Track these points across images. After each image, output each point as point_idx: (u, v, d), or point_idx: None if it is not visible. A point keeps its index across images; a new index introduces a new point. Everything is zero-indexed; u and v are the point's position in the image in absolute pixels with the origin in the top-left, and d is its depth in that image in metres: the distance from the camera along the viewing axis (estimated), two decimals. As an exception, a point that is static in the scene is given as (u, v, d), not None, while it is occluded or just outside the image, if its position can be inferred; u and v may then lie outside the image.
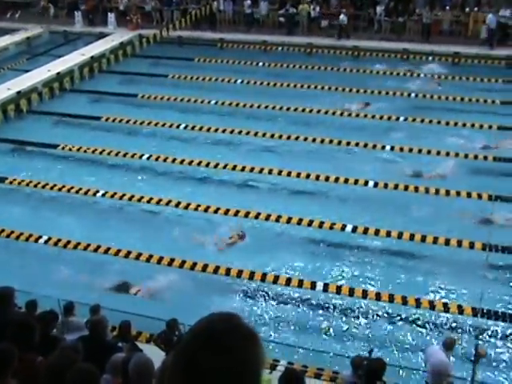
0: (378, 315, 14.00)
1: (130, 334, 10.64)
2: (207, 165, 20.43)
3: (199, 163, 20.53)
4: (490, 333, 13.38)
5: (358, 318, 13.94)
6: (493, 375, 12.18)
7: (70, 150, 21.78)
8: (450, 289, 14.77)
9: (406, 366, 12.21)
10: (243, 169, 20.07)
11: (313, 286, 14.79)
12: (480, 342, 12.14)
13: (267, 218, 17.41)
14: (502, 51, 29.98)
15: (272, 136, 22.35)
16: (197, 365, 2.07)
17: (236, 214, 17.66)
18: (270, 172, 19.82)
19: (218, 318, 2.19)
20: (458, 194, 18.28)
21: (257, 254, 15.94)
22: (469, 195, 18.22)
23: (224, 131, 22.89)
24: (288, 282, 14.92)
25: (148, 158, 21.02)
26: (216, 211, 17.81)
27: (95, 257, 16.06)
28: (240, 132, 22.73)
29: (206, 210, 17.86)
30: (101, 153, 21.45)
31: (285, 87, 27.03)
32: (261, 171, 19.90)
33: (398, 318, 13.94)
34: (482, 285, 13.90)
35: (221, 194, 18.89)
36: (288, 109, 24.69)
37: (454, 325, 13.69)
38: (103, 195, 18.81)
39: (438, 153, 20.74)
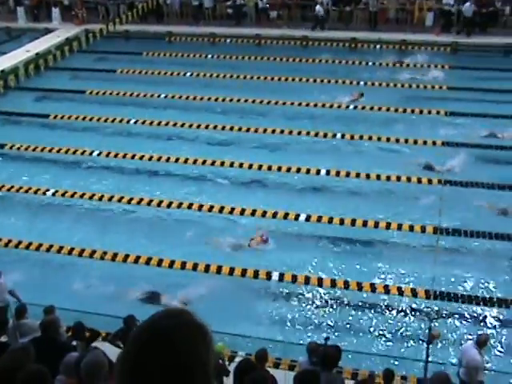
0: (338, 302, 14.12)
1: (84, 333, 10.49)
2: (159, 159, 20.28)
3: (150, 158, 20.36)
4: (443, 314, 13.60)
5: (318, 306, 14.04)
6: (447, 355, 12.38)
7: (19, 149, 21.35)
8: (404, 273, 14.96)
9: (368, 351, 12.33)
10: (195, 162, 20.01)
11: (268, 275, 14.83)
12: (433, 324, 12.27)
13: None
14: (447, 38, 30.42)
15: (223, 128, 22.29)
16: (143, 360, 2.05)
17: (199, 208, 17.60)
18: (222, 164, 19.83)
19: (166, 314, 2.18)
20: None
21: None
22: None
23: (175, 125, 22.74)
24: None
25: (98, 155, 20.75)
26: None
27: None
28: (191, 125, 22.60)
29: (158, 205, 17.75)
30: (50, 151, 21.09)
31: (234, 79, 26.96)
32: (213, 163, 19.88)
33: (358, 304, 14.09)
34: (434, 267, 14.11)
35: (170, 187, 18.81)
36: (238, 100, 24.66)
37: (408, 308, 13.89)
38: (53, 194, 18.53)
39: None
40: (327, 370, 6.46)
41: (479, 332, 11.95)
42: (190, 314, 2.17)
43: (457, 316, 13.71)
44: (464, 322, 13.58)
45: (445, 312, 13.70)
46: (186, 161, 20.11)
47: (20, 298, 12.15)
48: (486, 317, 13.70)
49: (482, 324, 13.52)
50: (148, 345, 2.07)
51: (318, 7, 31.97)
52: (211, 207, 17.57)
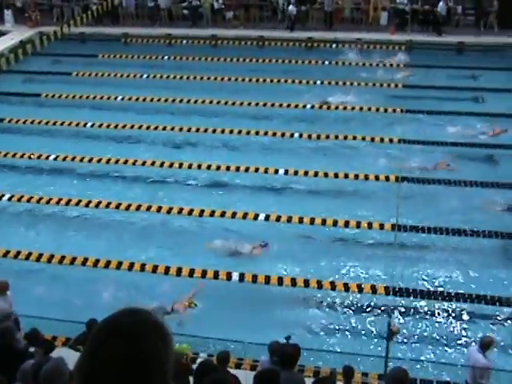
0: (299, 300, 14.18)
1: (42, 338, 10.34)
2: (116, 162, 20.12)
3: (108, 161, 20.19)
4: (402, 310, 13.77)
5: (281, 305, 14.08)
6: (406, 351, 12.53)
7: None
8: (364, 270, 15.09)
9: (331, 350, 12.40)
10: (153, 163, 19.97)
11: (228, 276, 14.82)
12: (393, 320, 12.39)
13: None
14: (402, 36, 30.76)
15: (180, 129, 22.23)
16: (102, 357, 2.05)
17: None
18: (189, 166, 19.78)
19: (124, 312, 2.18)
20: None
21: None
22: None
23: (132, 127, 22.57)
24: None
25: (55, 159, 20.49)
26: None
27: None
28: (148, 127, 22.46)
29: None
30: (5, 155, 20.76)
31: (191, 80, 26.88)
32: (171, 165, 19.81)
33: (319, 302, 14.17)
34: (394, 263, 14.26)
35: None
36: (196, 101, 24.60)
37: (368, 304, 14.01)
38: (9, 199, 18.26)
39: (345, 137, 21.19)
40: (286, 369, 6.47)
41: (484, 334, 11.93)
42: (149, 313, 2.18)
43: (416, 312, 13.87)
44: (423, 318, 13.75)
45: (404, 308, 13.83)
46: (144, 163, 20.00)
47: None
48: (445, 312, 13.89)
49: (441, 319, 13.70)
50: (106, 342, 2.08)
51: (290, 7, 31.97)
52: (170, 209, 17.52)
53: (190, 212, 17.33)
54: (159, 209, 17.53)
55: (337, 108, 23.72)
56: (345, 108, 23.70)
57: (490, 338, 11.16)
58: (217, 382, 5.78)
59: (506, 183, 18.40)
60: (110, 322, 2.15)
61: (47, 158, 20.57)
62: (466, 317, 13.81)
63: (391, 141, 21.04)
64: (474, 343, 11.57)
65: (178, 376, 8.77)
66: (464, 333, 13.37)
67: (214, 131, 22.09)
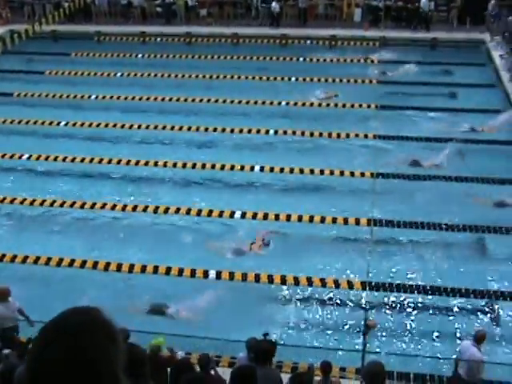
0: (276, 297, 14.20)
1: (18, 341, 10.24)
2: (91, 161, 20.00)
3: (82, 160, 20.05)
4: (378, 304, 13.84)
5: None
6: (383, 344, 12.60)
7: None
8: (340, 265, 15.14)
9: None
10: (128, 162, 19.88)
11: (205, 274, 14.79)
12: (369, 315, 12.46)
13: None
14: (376, 33, 30.89)
15: (155, 128, 22.13)
16: (48, 356, 2.00)
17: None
18: (164, 164, 19.75)
19: (73, 311, 2.13)
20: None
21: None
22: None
23: (107, 125, 22.44)
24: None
25: (28, 158, 20.30)
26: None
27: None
28: (123, 126, 22.34)
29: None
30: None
31: (165, 78, 26.77)
32: (146, 164, 19.78)
33: (296, 298, 14.20)
34: (370, 258, 14.35)
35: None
36: (170, 99, 24.53)
37: (344, 299, 14.07)
38: None
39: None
40: (262, 365, 6.46)
41: (476, 328, 11.98)
42: (99, 311, 2.13)
43: (392, 306, 13.96)
44: (399, 312, 13.84)
45: (380, 302, 13.90)
46: (119, 161, 19.91)
47: (28, 317, 11.63)
48: (421, 305, 13.99)
49: (417, 313, 13.80)
50: (53, 341, 2.03)
51: (273, 4, 31.95)
52: (146, 207, 17.48)
53: (166, 210, 17.30)
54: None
55: (312, 105, 23.76)
56: (320, 105, 23.75)
57: (484, 331, 11.21)
58: (193, 382, 5.76)
59: (481, 178, 18.55)
60: (57, 322, 2.10)
61: (20, 157, 20.37)
62: (441, 310, 13.91)
63: (366, 136, 21.13)
64: (467, 337, 11.49)
65: (157, 370, 8.77)
66: (440, 326, 13.47)
67: (190, 129, 22.02)
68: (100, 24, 33.22)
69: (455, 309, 13.94)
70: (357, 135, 21.20)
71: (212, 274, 14.83)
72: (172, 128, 22.11)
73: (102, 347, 2.03)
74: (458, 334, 13.19)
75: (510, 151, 20.33)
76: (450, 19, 31.68)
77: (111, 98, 24.86)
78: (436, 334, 13.27)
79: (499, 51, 27.68)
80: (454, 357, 11.31)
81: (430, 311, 13.89)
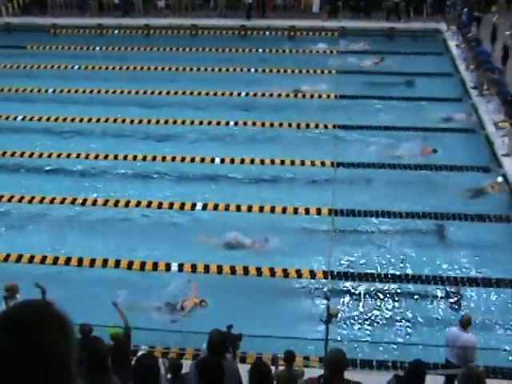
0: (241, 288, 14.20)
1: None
2: (50, 155, 19.72)
3: (40, 155, 19.75)
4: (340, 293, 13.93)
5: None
6: (345, 332, 12.69)
7: None
8: (302, 255, 15.19)
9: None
10: (87, 156, 19.65)
11: (168, 267, 14.73)
12: (331, 303, 12.51)
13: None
14: (334, 23, 31.00)
15: (115, 121, 21.92)
16: None
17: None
18: (124, 157, 19.56)
19: (23, 304, 2.11)
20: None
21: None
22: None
23: (65, 119, 22.13)
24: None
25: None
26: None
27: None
28: (81, 120, 22.06)
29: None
30: None
31: (124, 70, 26.50)
32: (106, 157, 19.58)
33: (259, 289, 14.22)
34: (331, 247, 14.43)
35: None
36: (129, 92, 24.30)
37: (307, 289, 14.13)
38: None
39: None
40: (217, 357, 6.49)
41: (461, 314, 12.05)
42: (50, 303, 2.11)
43: (354, 294, 14.07)
44: (361, 300, 13.95)
45: (342, 291, 13.99)
46: (78, 156, 19.67)
47: (45, 288, 11.35)
48: (382, 292, 14.13)
49: (378, 300, 13.93)
50: (5, 331, 2.00)
51: None
52: (106, 201, 17.35)
53: (127, 204, 17.18)
54: (106, 202, 17.35)
55: (271, 95, 23.77)
56: (279, 95, 23.76)
57: (468, 315, 11.28)
58: (145, 368, 5.73)
59: (441, 165, 18.79)
60: (9, 313, 2.08)
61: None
62: (402, 297, 14.07)
63: (326, 126, 21.22)
64: (453, 324, 11.48)
65: (120, 363, 8.71)
66: (401, 312, 13.62)
67: (149, 122, 21.85)
68: (56, 16, 32.66)
69: (416, 295, 14.10)
70: (317, 125, 21.28)
71: (174, 266, 14.77)
72: (132, 121, 21.91)
73: (53, 339, 2.01)
74: (420, 320, 13.37)
75: (471, 138, 20.63)
76: (408, 10, 31.92)
77: (68, 91, 24.52)
78: (398, 320, 13.41)
79: (455, 41, 28.03)
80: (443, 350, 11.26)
81: (392, 298, 14.03)
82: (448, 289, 14.16)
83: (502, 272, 14.58)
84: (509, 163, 18.09)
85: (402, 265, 14.96)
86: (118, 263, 14.90)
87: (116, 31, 31.48)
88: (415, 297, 14.09)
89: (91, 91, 24.45)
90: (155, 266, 14.84)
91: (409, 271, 14.61)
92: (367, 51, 27.95)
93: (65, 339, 2.04)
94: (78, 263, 14.97)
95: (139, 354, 11.26)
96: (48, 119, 22.19)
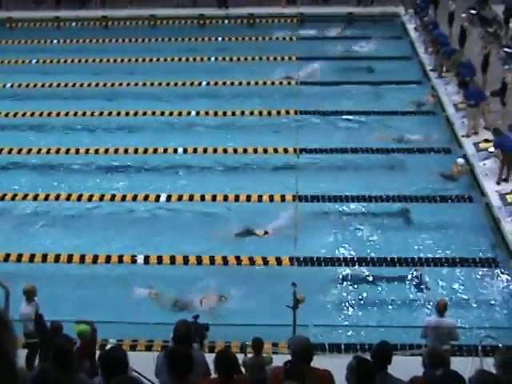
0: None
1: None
2: (10, 151, 19.46)
3: (0, 151, 19.48)
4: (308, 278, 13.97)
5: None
6: (312, 317, 12.73)
7: None
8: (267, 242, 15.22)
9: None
10: (48, 151, 19.44)
11: (133, 259, 14.65)
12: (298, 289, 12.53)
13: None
14: (293, 9, 30.96)
15: (75, 114, 21.68)
16: None
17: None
18: (86, 151, 19.37)
19: None
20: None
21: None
22: (276, 151, 18.86)
23: (24, 115, 21.79)
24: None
25: None
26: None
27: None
28: (41, 114, 21.77)
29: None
30: None
31: (83, 63, 26.17)
32: (67, 151, 19.39)
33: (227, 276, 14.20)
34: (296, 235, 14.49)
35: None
36: (89, 85, 24.03)
37: (274, 275, 14.17)
38: None
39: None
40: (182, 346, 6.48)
41: (437, 299, 12.00)
42: None
43: (321, 278, 14.13)
44: (329, 284, 14.03)
45: (309, 276, 14.02)
46: (39, 151, 19.42)
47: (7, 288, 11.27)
48: (349, 276, 14.23)
49: (345, 284, 14.02)
50: None
51: None
52: (69, 195, 17.17)
53: (90, 198, 17.05)
54: (69, 197, 17.17)
55: (232, 84, 23.70)
56: (240, 83, 23.69)
57: (443, 299, 11.32)
58: (113, 360, 5.69)
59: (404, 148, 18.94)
60: None
61: None
62: (369, 280, 14.18)
63: (288, 112, 21.23)
64: (430, 315, 11.49)
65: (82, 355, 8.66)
66: (369, 295, 13.74)
67: (110, 114, 21.66)
68: (11, 10, 32.04)
69: (383, 278, 14.23)
70: (279, 112, 21.30)
71: (140, 259, 14.69)
72: (92, 114, 21.70)
73: None
74: (388, 302, 13.50)
75: (432, 120, 20.83)
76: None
77: (27, 86, 24.16)
78: (366, 303, 13.54)
79: (413, 24, 28.22)
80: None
81: (359, 282, 14.14)
82: (413, 270, 14.31)
83: (466, 252, 14.80)
84: (468, 144, 18.29)
85: (367, 248, 15.05)
86: (82, 258, 14.81)
87: (73, 24, 31.04)
88: (382, 280, 14.21)
89: (50, 85, 24.10)
90: (120, 258, 14.75)
91: (374, 254, 14.72)
92: (327, 37, 28.00)
93: (8, 338, 2.02)
94: (42, 259, 14.82)
95: (107, 347, 11.30)
96: (7, 115, 21.82)
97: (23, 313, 11.03)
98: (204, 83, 23.84)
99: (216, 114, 21.43)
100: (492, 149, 17.37)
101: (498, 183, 16.29)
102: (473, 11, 26.76)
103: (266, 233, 15.35)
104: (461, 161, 17.64)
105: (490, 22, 26.31)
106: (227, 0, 31.39)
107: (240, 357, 9.84)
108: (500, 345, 10.85)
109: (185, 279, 14.23)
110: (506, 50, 23.25)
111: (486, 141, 17.97)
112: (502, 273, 14.19)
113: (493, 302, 13.50)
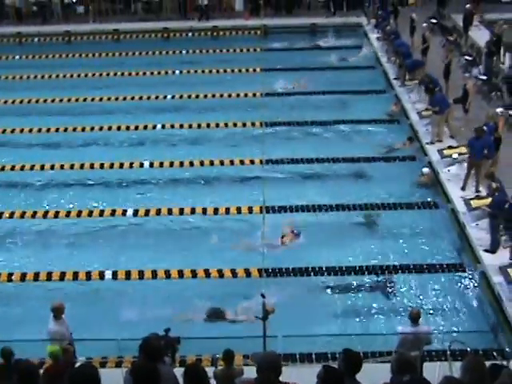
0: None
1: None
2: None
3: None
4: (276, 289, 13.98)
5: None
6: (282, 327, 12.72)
7: None
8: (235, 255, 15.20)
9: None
10: (3, 168, 19.32)
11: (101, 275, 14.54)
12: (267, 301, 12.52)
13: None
14: (257, 21, 31.11)
15: (39, 131, 21.51)
16: None
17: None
18: (51, 167, 19.20)
19: None
20: (232, 162, 18.86)
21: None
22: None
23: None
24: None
25: None
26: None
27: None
28: (4, 131, 21.58)
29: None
30: None
31: (46, 79, 25.96)
32: (32, 168, 19.14)
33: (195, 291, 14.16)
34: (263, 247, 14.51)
35: None
36: (53, 100, 23.86)
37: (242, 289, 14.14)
38: None
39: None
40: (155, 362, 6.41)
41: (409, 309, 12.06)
42: None
43: (290, 289, 14.12)
44: (298, 294, 14.02)
45: (278, 287, 14.02)
46: (3, 168, 19.26)
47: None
48: (317, 285, 14.25)
49: (310, 293, 14.01)
50: None
51: None
52: (35, 213, 16.95)
53: (56, 214, 16.89)
54: (34, 214, 16.89)
55: (197, 96, 23.70)
56: (205, 96, 23.71)
57: (416, 308, 11.33)
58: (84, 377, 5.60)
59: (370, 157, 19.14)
60: None
61: None
62: (337, 288, 14.22)
63: (253, 124, 21.28)
64: (404, 325, 11.30)
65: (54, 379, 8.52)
66: (336, 304, 13.78)
67: (75, 129, 21.51)
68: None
69: (351, 286, 14.28)
70: (244, 124, 21.35)
71: (108, 274, 14.57)
72: (57, 130, 21.53)
73: None
74: (357, 310, 13.55)
75: (396, 128, 21.11)
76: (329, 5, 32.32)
77: (-11, 102, 23.91)
78: (334, 312, 13.57)
79: (376, 34, 28.54)
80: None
81: (327, 290, 14.18)
82: (380, 278, 14.39)
83: (433, 258, 14.95)
84: (433, 152, 18.50)
85: (335, 257, 15.09)
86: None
87: (36, 39, 30.85)
88: (350, 288, 14.25)
89: (13, 101, 23.86)
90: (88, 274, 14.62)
91: (342, 263, 14.76)
92: (291, 48, 28.20)
93: None
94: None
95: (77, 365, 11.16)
96: (-29, 132, 21.60)
97: (52, 331, 10.86)
98: (169, 96, 23.82)
99: (182, 126, 21.41)
100: (456, 155, 17.65)
101: (462, 189, 16.49)
102: (433, 20, 27.18)
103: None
104: (426, 170, 17.85)
105: (450, 30, 26.74)
106: (208, 13, 31.46)
107: (211, 369, 9.85)
108: (468, 349, 10.99)
109: (156, 294, 14.12)
110: (466, 57, 23.61)
111: (450, 147, 18.21)
112: (468, 277, 14.34)
113: (460, 307, 13.63)
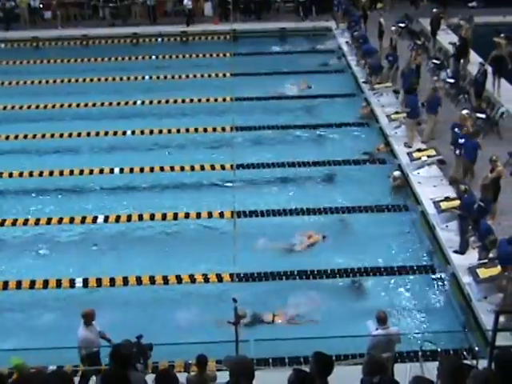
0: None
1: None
2: None
3: None
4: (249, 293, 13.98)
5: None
6: (255, 332, 12.73)
7: None
8: (208, 259, 15.15)
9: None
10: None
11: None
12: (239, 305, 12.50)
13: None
14: (226, 26, 31.09)
15: (7, 138, 21.28)
16: None
17: None
18: (19, 174, 19.01)
19: None
20: (203, 167, 18.83)
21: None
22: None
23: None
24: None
25: None
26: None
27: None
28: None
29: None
30: None
31: (13, 85, 25.66)
32: (10, 175, 18.93)
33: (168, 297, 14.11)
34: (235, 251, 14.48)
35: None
36: (21, 107, 23.60)
37: (215, 293, 14.11)
38: None
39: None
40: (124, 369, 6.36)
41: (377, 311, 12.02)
42: None
43: (261, 294, 14.12)
44: (271, 299, 14.02)
45: (248, 291, 14.00)
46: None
47: (110, 339, 10.95)
48: (286, 289, 14.24)
49: (282, 297, 14.00)
50: None
51: (185, 1, 31.45)
52: (3, 221, 16.75)
53: (25, 222, 16.69)
54: (3, 222, 16.79)
55: (167, 102, 23.63)
56: (175, 101, 23.66)
57: (381, 310, 11.17)
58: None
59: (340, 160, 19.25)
60: None
61: None
62: (309, 291, 14.23)
63: (224, 129, 21.24)
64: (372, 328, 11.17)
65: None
66: (309, 307, 13.80)
67: (44, 136, 21.28)
68: None
69: (322, 289, 14.31)
70: (214, 129, 21.32)
71: (78, 282, 14.45)
72: (25, 136, 21.31)
73: None
74: (330, 313, 13.57)
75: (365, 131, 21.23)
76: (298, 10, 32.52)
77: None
78: (306, 315, 13.58)
79: (345, 38, 28.73)
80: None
81: (299, 294, 14.18)
82: (352, 280, 14.46)
83: (404, 260, 15.06)
84: (403, 154, 18.64)
85: (306, 260, 15.12)
86: (19, 284, 14.45)
87: (2, 45, 30.53)
88: (323, 291, 14.28)
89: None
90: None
91: (314, 266, 14.78)
92: (261, 52, 28.27)
93: None
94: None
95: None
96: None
97: (82, 337, 10.79)
98: (139, 102, 23.72)
99: (152, 132, 21.32)
100: (425, 157, 17.84)
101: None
102: (401, 24, 27.45)
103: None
104: (398, 173, 18.00)
105: (417, 34, 27.01)
106: (193, 17, 31.64)
107: (184, 375, 9.81)
108: (439, 349, 11.09)
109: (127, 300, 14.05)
110: (434, 61, 23.86)
111: (419, 150, 18.37)
112: (438, 278, 14.47)
113: (431, 308, 13.75)
